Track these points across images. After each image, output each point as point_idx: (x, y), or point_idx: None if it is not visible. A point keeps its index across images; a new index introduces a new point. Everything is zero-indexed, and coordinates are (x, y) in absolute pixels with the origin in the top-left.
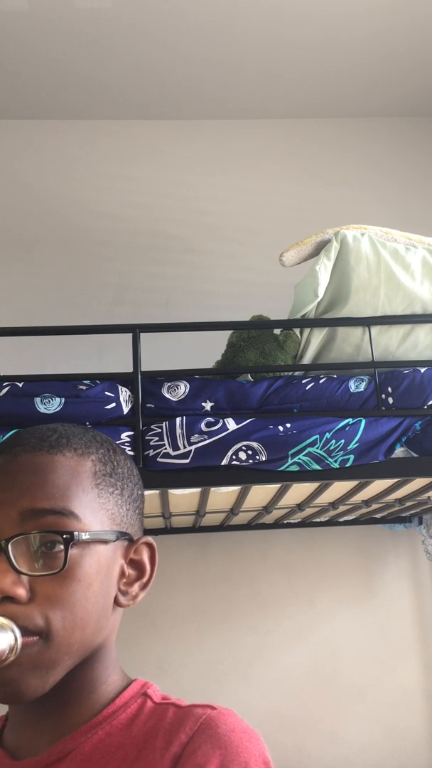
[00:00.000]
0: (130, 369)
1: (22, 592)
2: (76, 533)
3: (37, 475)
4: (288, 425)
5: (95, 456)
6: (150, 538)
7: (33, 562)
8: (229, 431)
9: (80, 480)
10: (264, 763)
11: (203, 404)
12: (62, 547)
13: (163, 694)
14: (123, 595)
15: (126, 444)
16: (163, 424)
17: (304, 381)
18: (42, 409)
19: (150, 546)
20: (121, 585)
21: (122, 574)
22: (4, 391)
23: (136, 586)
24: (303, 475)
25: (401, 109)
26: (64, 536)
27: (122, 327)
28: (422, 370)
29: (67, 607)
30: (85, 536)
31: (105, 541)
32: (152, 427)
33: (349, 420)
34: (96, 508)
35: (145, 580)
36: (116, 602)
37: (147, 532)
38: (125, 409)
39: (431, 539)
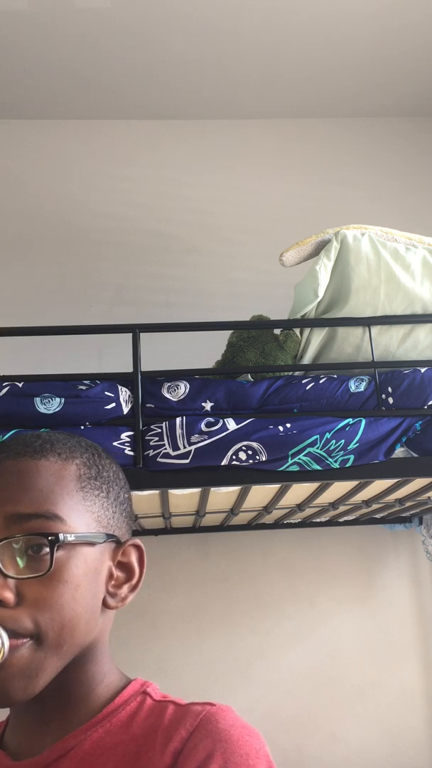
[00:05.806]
0: (130, 369)
1: (9, 595)
2: (61, 535)
3: (21, 480)
4: (288, 425)
5: (80, 460)
6: (138, 540)
7: (19, 566)
8: (229, 431)
9: (65, 483)
10: (264, 757)
11: (203, 404)
12: (48, 549)
13: (162, 692)
14: (111, 597)
15: (126, 444)
16: (163, 424)
17: (304, 381)
18: (42, 409)
19: (138, 548)
20: (110, 587)
21: (110, 576)
22: (4, 391)
23: (125, 588)
24: (303, 475)
25: (401, 109)
26: (50, 538)
27: (122, 327)
28: (422, 370)
29: (55, 609)
30: (70, 538)
31: (92, 543)
32: (152, 427)
33: (349, 420)
34: (81, 510)
35: (134, 582)
36: (105, 604)
37: (147, 532)
38: (125, 409)
39: (431, 539)
